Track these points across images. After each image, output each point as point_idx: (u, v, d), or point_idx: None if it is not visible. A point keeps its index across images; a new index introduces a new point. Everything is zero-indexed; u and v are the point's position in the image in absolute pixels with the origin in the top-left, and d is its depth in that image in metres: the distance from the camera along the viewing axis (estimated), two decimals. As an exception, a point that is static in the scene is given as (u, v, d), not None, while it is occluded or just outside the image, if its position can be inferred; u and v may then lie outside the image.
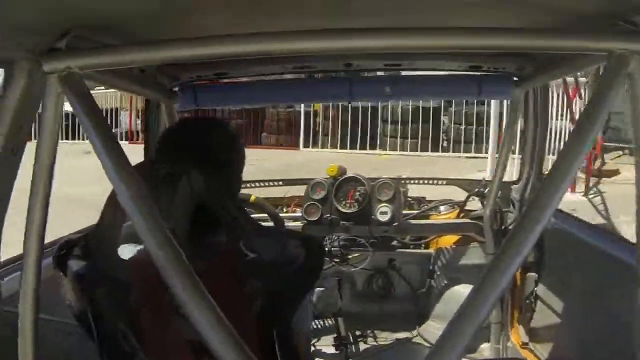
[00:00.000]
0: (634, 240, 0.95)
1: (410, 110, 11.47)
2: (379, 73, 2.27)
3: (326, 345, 2.50)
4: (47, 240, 1.00)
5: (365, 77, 2.23)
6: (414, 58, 1.95)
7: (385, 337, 2.78)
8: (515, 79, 2.00)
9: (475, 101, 10.24)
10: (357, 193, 2.48)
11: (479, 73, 2.05)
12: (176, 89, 2.07)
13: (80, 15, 0.95)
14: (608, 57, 0.90)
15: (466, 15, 1.14)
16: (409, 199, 2.89)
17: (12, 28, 0.90)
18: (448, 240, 2.80)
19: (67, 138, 12.27)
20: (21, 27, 0.90)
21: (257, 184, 2.77)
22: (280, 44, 0.94)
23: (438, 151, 11.40)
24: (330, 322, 2.40)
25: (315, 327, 2.70)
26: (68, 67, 0.93)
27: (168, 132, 1.42)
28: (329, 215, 2.49)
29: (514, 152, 2.51)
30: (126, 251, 1.14)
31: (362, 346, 2.71)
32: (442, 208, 2.81)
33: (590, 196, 7.25)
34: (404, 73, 2.19)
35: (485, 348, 2.54)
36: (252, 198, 2.24)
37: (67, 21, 0.96)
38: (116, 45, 1.00)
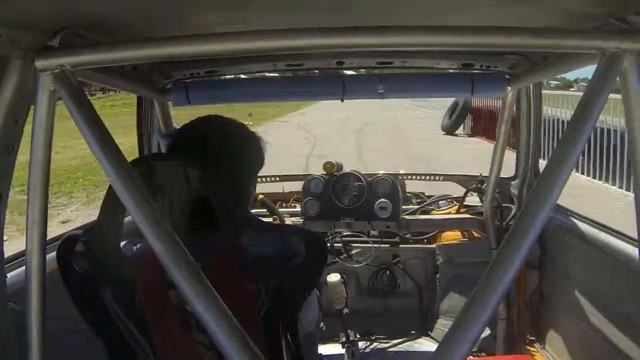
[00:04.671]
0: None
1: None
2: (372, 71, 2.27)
3: (332, 342, 2.49)
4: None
5: (358, 75, 2.22)
6: (406, 56, 1.95)
7: (391, 334, 2.77)
8: (508, 77, 2.01)
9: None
10: (355, 188, 2.49)
11: (472, 71, 2.06)
12: (169, 86, 2.06)
13: (73, 13, 0.95)
14: (600, 56, 0.90)
15: (459, 14, 1.15)
16: (408, 194, 2.90)
17: (6, 25, 0.89)
18: (451, 236, 2.80)
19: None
20: (15, 24, 0.90)
21: None
22: (272, 42, 0.94)
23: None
24: (335, 319, 2.38)
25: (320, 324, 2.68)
26: (61, 64, 0.93)
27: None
28: (328, 210, 2.49)
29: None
30: (128, 247, 1.14)
31: (368, 343, 2.71)
32: (441, 203, 2.83)
33: None
34: (397, 71, 2.18)
35: (492, 345, 2.55)
36: (260, 197, 2.24)
37: (60, 19, 0.96)
38: (109, 43, 1.00)
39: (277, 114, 22.97)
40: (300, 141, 13.63)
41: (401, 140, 13.93)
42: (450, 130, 15.82)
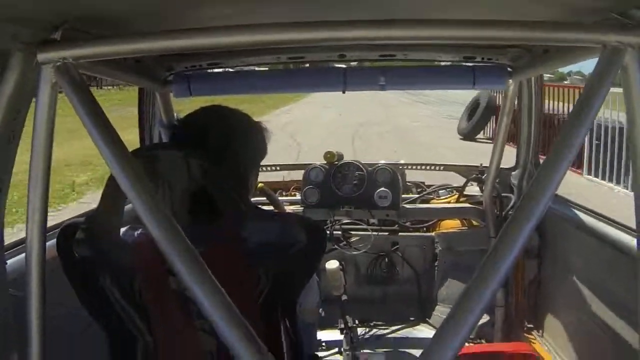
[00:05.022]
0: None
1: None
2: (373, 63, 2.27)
3: (331, 328, 2.50)
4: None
5: (359, 67, 2.22)
6: (408, 49, 1.95)
7: (390, 321, 2.80)
8: (509, 69, 2.00)
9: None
10: (356, 178, 2.50)
11: (473, 64, 2.06)
12: (170, 78, 2.06)
13: (75, 6, 0.95)
14: (602, 50, 0.90)
15: (461, 6, 1.14)
16: (408, 183, 2.91)
17: (7, 19, 0.89)
18: (451, 225, 2.82)
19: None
20: (16, 18, 0.90)
21: None
22: (274, 35, 0.94)
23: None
24: (334, 305, 2.39)
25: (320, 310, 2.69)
26: (63, 57, 0.93)
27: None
28: (328, 199, 2.51)
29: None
30: (128, 234, 1.15)
31: (367, 330, 2.74)
32: (441, 192, 2.85)
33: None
34: (398, 63, 2.18)
35: (490, 332, 2.58)
36: (260, 185, 2.25)
37: (62, 12, 0.95)
38: (111, 36, 1.00)
39: (257, 111, 15.41)
40: (280, 151, 9.35)
41: (412, 151, 10.42)
42: (469, 135, 12.53)
